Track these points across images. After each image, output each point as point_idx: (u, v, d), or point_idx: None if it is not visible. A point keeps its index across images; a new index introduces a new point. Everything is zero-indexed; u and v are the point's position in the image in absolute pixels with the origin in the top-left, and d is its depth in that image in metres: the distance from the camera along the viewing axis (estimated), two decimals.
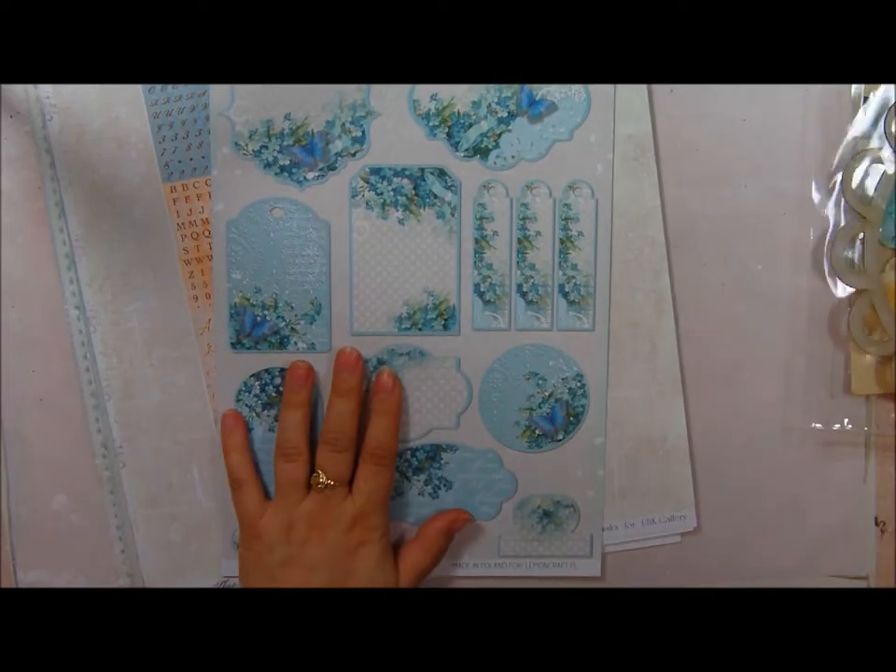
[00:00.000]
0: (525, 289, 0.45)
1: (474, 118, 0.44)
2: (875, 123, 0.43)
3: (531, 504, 0.46)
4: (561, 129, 0.44)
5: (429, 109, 0.44)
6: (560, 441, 0.46)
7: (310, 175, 0.44)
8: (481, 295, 0.45)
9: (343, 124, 0.44)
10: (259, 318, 0.45)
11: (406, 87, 0.44)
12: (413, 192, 0.44)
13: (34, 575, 0.47)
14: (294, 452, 0.42)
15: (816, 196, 0.45)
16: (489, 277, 0.45)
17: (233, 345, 0.45)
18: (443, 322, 0.45)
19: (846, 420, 0.46)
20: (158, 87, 0.44)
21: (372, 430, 0.43)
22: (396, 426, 0.43)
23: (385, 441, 0.42)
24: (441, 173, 0.44)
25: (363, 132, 0.44)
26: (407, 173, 0.44)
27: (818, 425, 0.45)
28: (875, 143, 0.43)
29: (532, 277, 0.45)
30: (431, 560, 0.43)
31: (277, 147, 0.44)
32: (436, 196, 0.44)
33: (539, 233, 0.45)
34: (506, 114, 0.44)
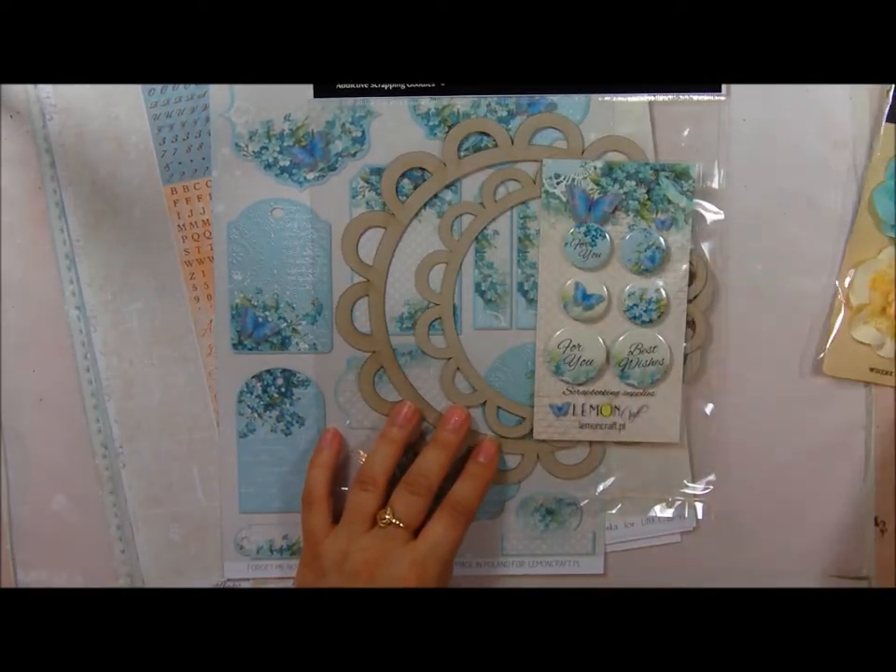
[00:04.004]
0: (525, 288, 0.45)
1: (474, 117, 0.44)
2: None
3: (533, 502, 0.46)
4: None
5: (429, 109, 0.44)
6: None
7: (310, 176, 0.45)
8: (482, 294, 0.45)
9: (343, 124, 0.44)
10: (260, 319, 0.45)
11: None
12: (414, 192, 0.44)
13: (34, 575, 0.46)
14: (371, 482, 0.42)
15: (816, 196, 0.45)
16: (490, 276, 0.45)
17: (235, 346, 0.45)
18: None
19: (847, 419, 0.46)
20: (158, 88, 0.44)
21: (460, 487, 0.42)
22: (483, 492, 0.43)
23: (469, 501, 0.42)
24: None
25: (363, 132, 0.44)
26: (409, 173, 0.44)
27: (818, 424, 0.46)
28: None
29: (533, 276, 0.45)
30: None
31: (277, 148, 0.44)
32: (437, 195, 0.44)
33: (539, 232, 0.45)
34: (505, 113, 0.44)
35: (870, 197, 0.44)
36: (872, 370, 0.45)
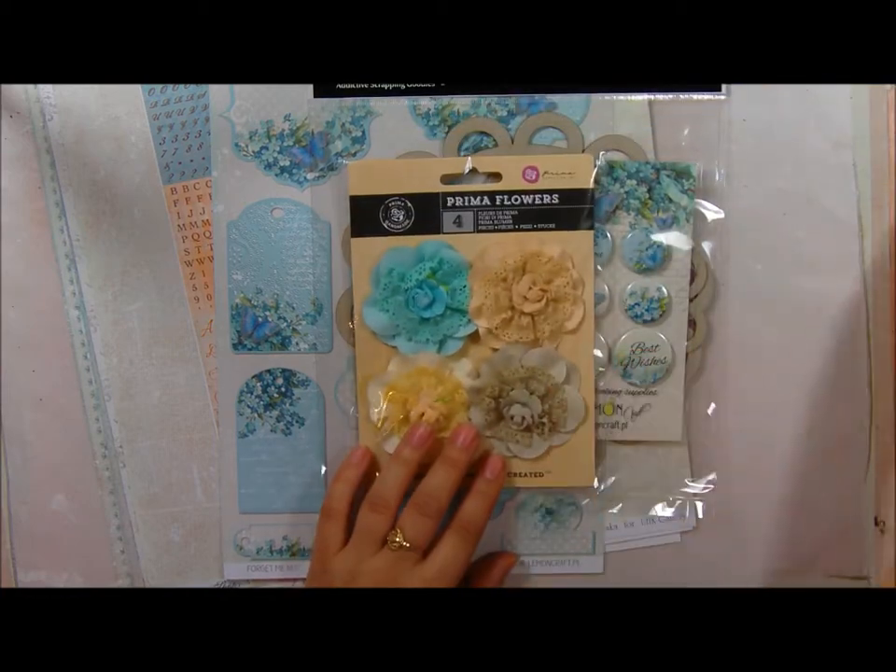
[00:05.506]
0: None
1: (474, 117, 0.44)
2: None
3: (534, 502, 0.46)
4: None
5: (429, 109, 0.44)
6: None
7: (310, 176, 0.45)
8: None
9: (343, 124, 0.44)
10: (260, 319, 0.45)
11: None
12: None
13: (34, 575, 0.46)
14: (382, 505, 0.41)
15: (816, 196, 0.45)
16: None
17: (235, 346, 0.45)
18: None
19: (847, 419, 0.46)
20: (158, 88, 0.44)
21: (469, 505, 0.42)
22: (491, 509, 0.42)
23: (477, 518, 0.41)
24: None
25: (363, 132, 0.44)
26: None
27: (819, 424, 0.46)
28: None
29: None
30: None
31: (277, 148, 0.44)
32: None
33: None
34: (505, 113, 0.44)
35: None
36: None
